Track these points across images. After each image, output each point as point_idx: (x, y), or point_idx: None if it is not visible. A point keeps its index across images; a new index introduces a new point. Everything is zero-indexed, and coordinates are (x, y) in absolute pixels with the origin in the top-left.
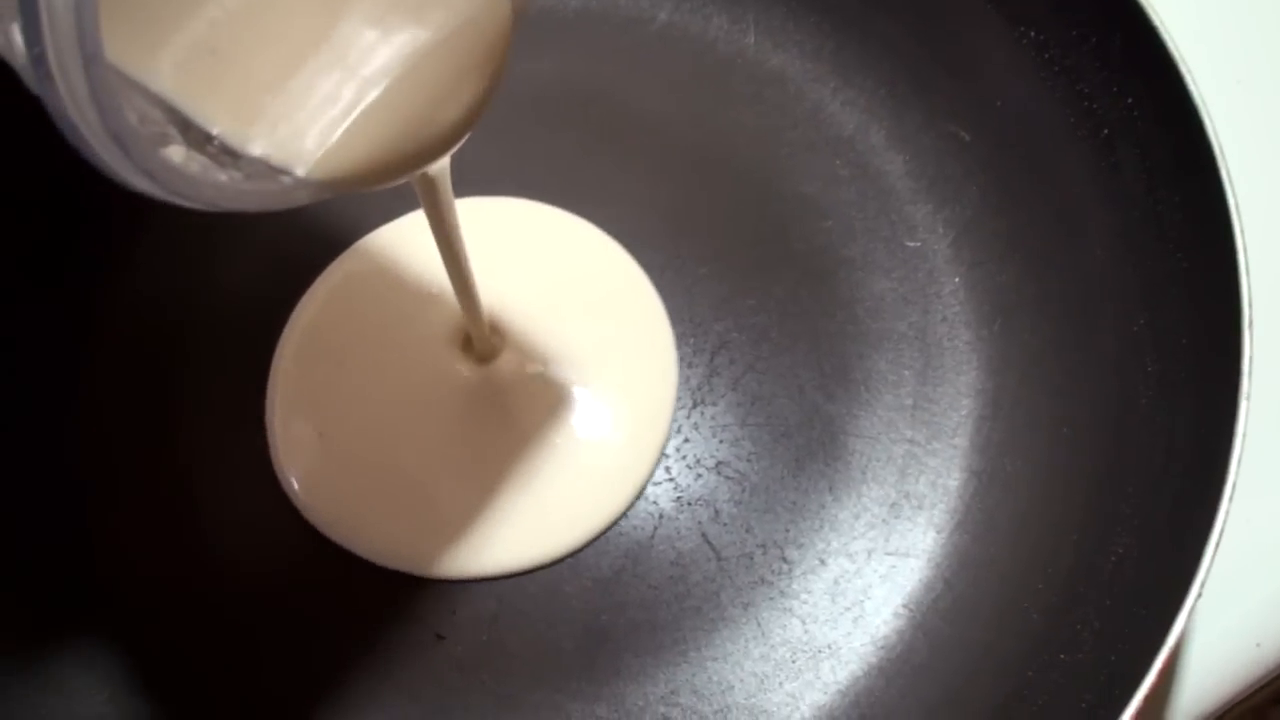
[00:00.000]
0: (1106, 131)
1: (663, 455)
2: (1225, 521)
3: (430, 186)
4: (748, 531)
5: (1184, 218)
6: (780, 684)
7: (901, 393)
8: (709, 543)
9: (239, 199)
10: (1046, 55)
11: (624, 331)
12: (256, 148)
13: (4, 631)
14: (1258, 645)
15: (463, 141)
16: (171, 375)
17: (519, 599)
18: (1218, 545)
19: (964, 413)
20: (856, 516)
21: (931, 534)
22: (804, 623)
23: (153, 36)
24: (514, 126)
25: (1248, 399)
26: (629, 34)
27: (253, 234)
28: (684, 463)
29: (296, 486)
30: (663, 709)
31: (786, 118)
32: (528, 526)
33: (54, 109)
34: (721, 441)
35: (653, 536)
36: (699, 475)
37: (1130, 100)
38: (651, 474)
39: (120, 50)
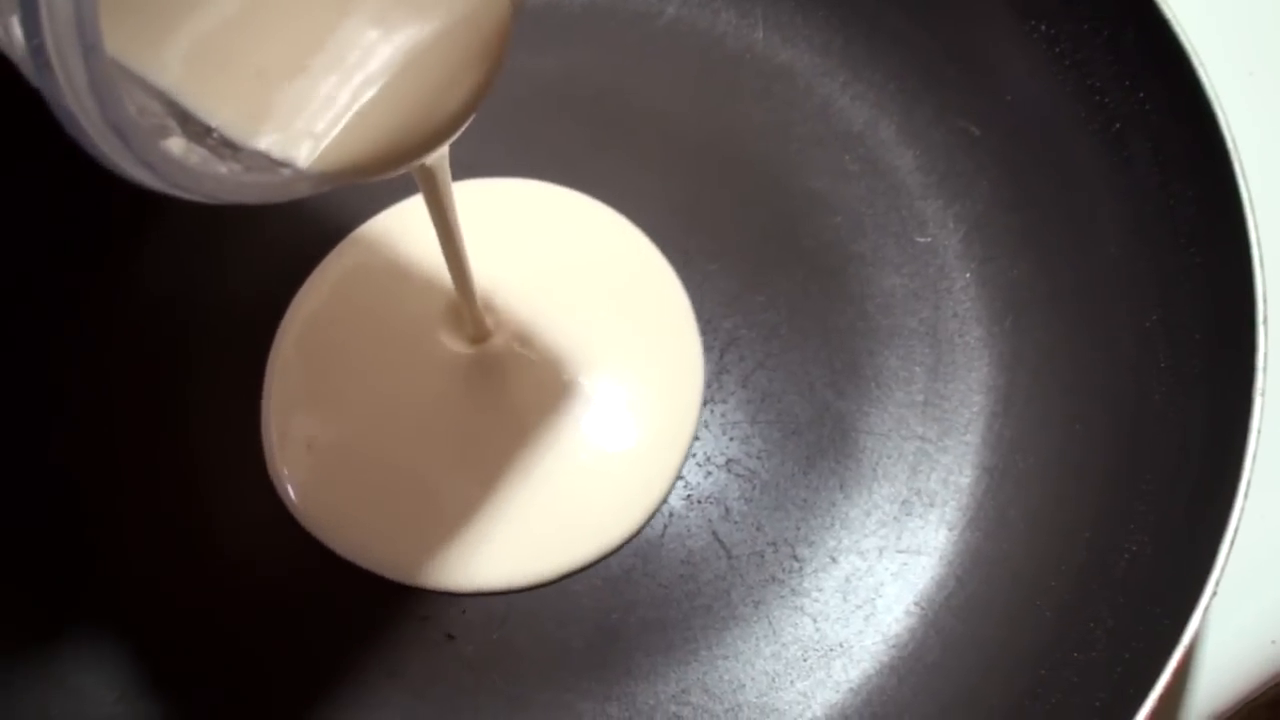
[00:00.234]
0: (1118, 125)
1: (687, 456)
2: (1240, 518)
3: (429, 175)
4: (758, 529)
5: (1197, 212)
6: (792, 682)
7: (912, 389)
8: (719, 541)
9: (239, 191)
10: (1058, 49)
11: (645, 324)
12: (259, 142)
13: (14, 632)
14: (1273, 642)
15: (462, 130)
16: (172, 374)
17: (529, 599)
18: (1232, 542)
19: (976, 409)
20: (868, 514)
21: (943, 531)
22: (815, 621)
23: (154, 30)
24: (520, 121)
25: (1262, 395)
26: (636, 28)
27: (247, 224)
28: (694, 460)
29: (292, 494)
30: (674, 708)
31: (795, 113)
32: (540, 537)
33: (53, 100)
34: (731, 439)
35: (663, 535)
36: (709, 473)
37: (1142, 94)
38: (674, 481)
39: (120, 44)
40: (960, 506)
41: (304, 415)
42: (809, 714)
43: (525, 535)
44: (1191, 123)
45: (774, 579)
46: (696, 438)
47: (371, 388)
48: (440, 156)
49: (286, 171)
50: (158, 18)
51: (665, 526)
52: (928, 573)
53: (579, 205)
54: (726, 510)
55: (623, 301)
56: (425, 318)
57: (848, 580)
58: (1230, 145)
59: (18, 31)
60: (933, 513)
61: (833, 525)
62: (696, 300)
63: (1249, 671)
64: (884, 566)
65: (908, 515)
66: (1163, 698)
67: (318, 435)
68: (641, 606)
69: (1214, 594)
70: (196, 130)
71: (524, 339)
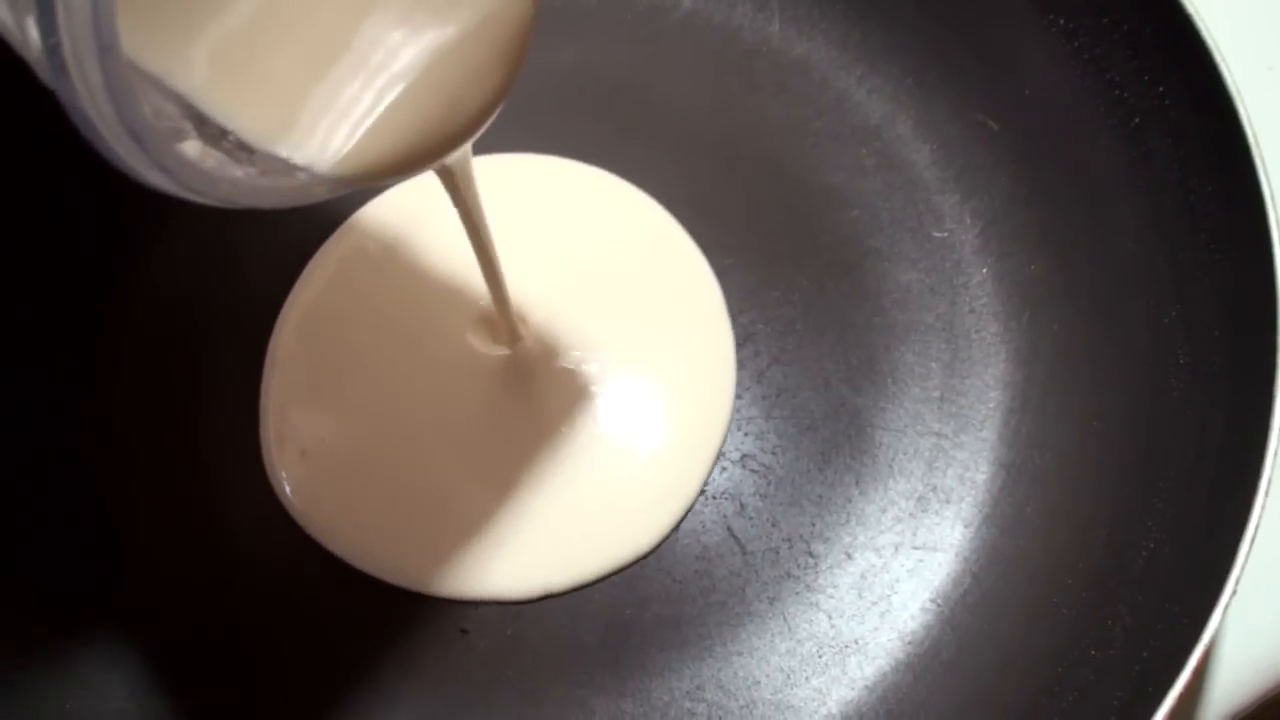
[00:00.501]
0: (1138, 120)
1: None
2: (1261, 517)
3: (449, 175)
4: (773, 525)
5: (1217, 207)
6: (807, 679)
7: (929, 385)
8: (734, 537)
9: (255, 195)
10: (1076, 43)
11: (676, 319)
12: (278, 147)
13: (32, 629)
14: None
15: (481, 132)
16: (178, 370)
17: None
18: (1253, 541)
19: (992, 405)
20: (883, 510)
21: (959, 528)
22: (830, 617)
23: (172, 32)
24: (535, 115)
25: None
26: (652, 22)
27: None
28: None
29: (290, 499)
30: (688, 704)
31: (812, 107)
32: (558, 546)
33: (68, 102)
34: (746, 435)
35: (677, 531)
36: (724, 469)
37: (1162, 88)
38: (699, 491)
39: (136, 45)
40: (977, 503)
41: (303, 416)
42: (824, 711)
43: (543, 543)
44: (1212, 118)
45: (789, 575)
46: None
47: (379, 385)
48: (461, 156)
49: (303, 175)
50: (176, 19)
51: (680, 522)
52: (944, 569)
53: (608, 185)
54: (741, 506)
55: (653, 295)
56: (442, 310)
57: (863, 577)
58: (1251, 140)
59: (33, 32)
60: (949, 509)
61: (848, 521)
62: None
63: (1268, 670)
64: (900, 563)
65: (924, 511)
66: (1181, 696)
67: (318, 438)
68: (656, 602)
69: (1234, 592)
70: (212, 133)
71: (553, 342)
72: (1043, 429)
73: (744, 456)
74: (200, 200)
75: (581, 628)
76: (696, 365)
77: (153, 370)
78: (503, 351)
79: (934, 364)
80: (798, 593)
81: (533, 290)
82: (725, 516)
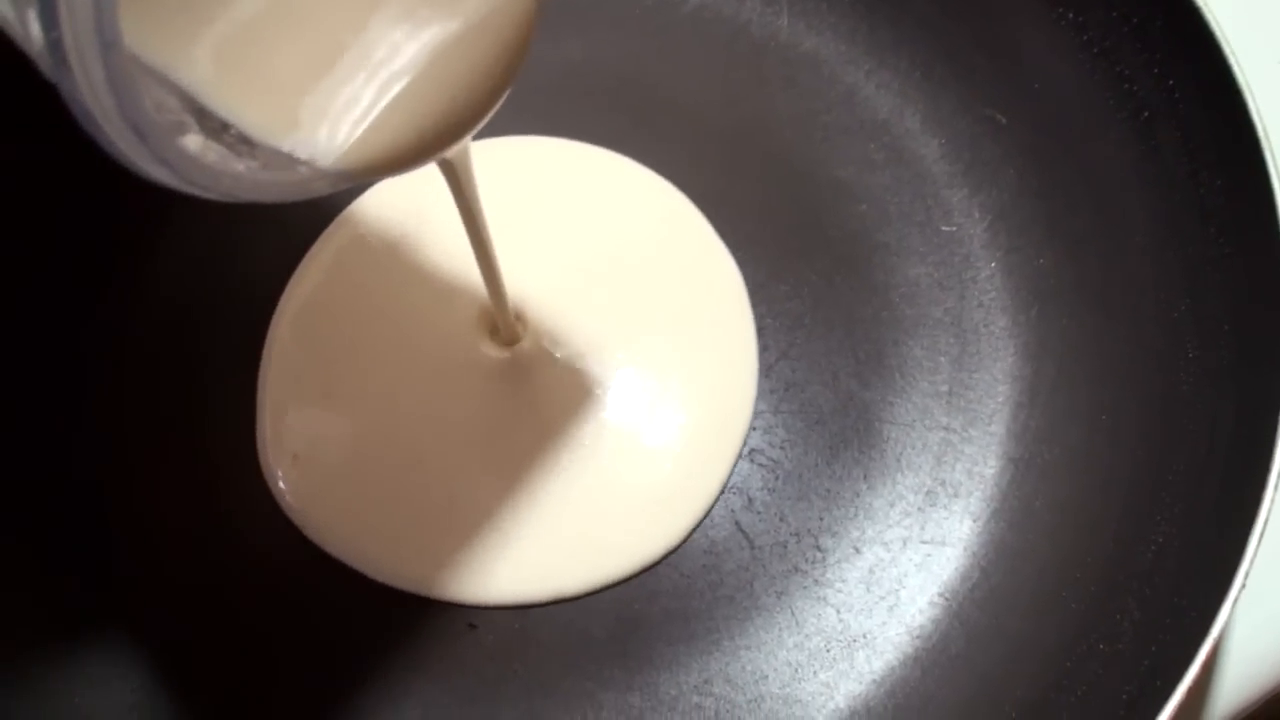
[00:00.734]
0: (1147, 114)
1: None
2: (1270, 510)
3: (449, 168)
4: (781, 520)
5: (1226, 201)
6: (815, 673)
7: (937, 379)
8: (742, 531)
9: (256, 190)
10: (1086, 37)
11: (693, 311)
12: (280, 141)
13: (32, 627)
14: None
15: (483, 124)
16: (174, 366)
17: None
18: (1262, 535)
19: (1001, 399)
20: (891, 504)
21: (968, 522)
22: (838, 612)
23: (174, 25)
24: (541, 110)
25: None
26: (660, 16)
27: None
28: None
29: (288, 502)
30: (696, 698)
31: (820, 101)
32: (566, 549)
33: (70, 96)
34: (754, 429)
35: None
36: (732, 463)
37: (1171, 82)
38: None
39: (137, 38)
40: (985, 497)
41: (299, 417)
42: (832, 705)
43: (553, 548)
44: (1221, 111)
45: (797, 569)
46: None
47: (378, 384)
48: (461, 150)
49: (304, 169)
50: (178, 12)
51: (694, 528)
52: (952, 564)
53: (621, 168)
54: (750, 500)
55: (670, 286)
56: (445, 310)
57: (871, 571)
58: (1260, 134)
59: (35, 27)
60: (957, 503)
61: (856, 516)
62: None
63: (1276, 664)
64: (908, 557)
65: (932, 506)
66: (1190, 690)
67: (313, 441)
68: (664, 597)
69: (1242, 586)
70: (213, 127)
71: (557, 340)
72: (1051, 423)
73: (752, 451)
74: (202, 194)
75: (590, 622)
76: (716, 362)
77: (152, 368)
78: (503, 353)
79: (942, 358)
80: (806, 587)
81: (537, 285)
82: (733, 511)
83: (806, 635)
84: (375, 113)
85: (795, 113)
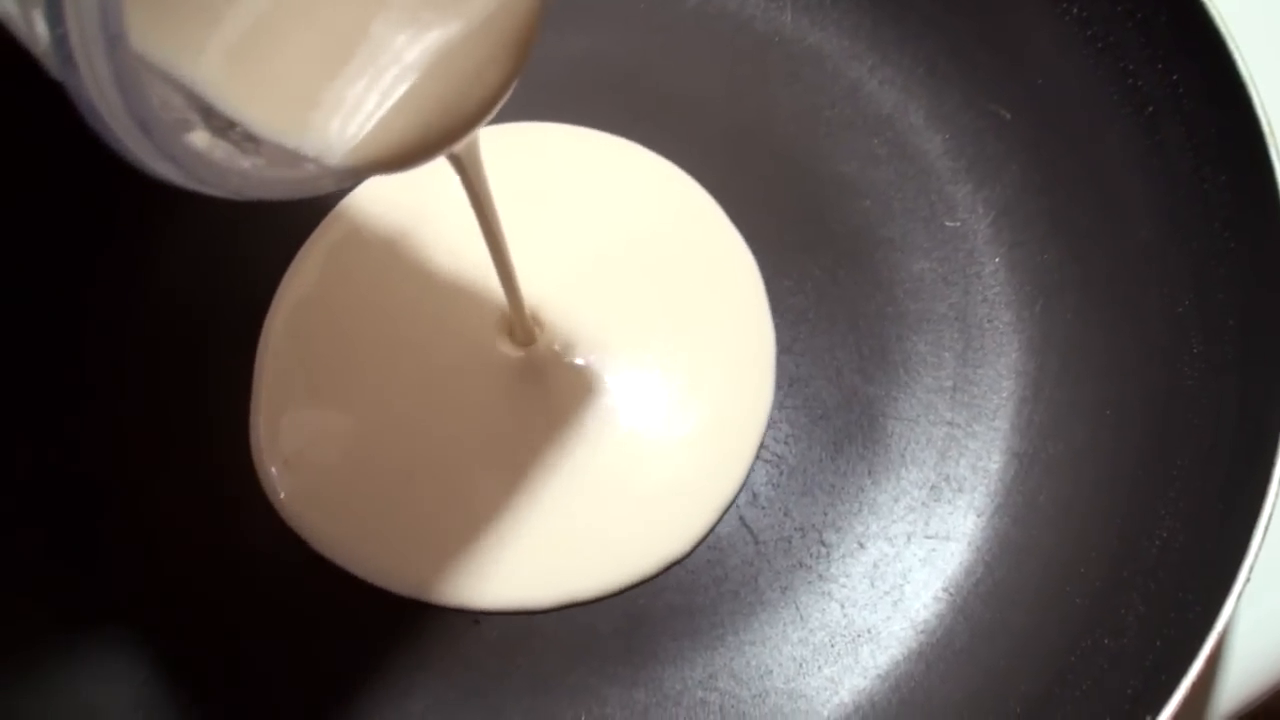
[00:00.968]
0: (1151, 109)
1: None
2: (1275, 504)
3: (459, 163)
4: (785, 515)
5: (1230, 196)
6: (819, 668)
7: (941, 375)
8: (746, 526)
9: (263, 187)
10: (1090, 31)
11: (711, 308)
12: (287, 139)
13: (42, 625)
14: None
15: (489, 118)
16: (172, 366)
17: None
18: (1266, 529)
19: (1005, 395)
20: (896, 500)
21: (972, 517)
22: (843, 607)
23: (180, 23)
24: (547, 106)
25: None
26: (664, 12)
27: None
28: None
29: (284, 507)
30: (700, 693)
31: (824, 97)
32: (575, 555)
33: (76, 94)
34: None
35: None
36: None
37: (1175, 77)
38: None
39: (143, 36)
40: (989, 492)
41: (294, 421)
42: (836, 700)
43: (563, 553)
44: (1225, 106)
45: (801, 565)
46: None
47: (378, 386)
48: (469, 144)
49: (311, 166)
50: (185, 11)
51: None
52: (956, 559)
53: (634, 156)
54: (754, 495)
55: (686, 280)
56: (448, 307)
57: (876, 566)
58: (1265, 129)
59: (40, 25)
60: (961, 498)
61: (861, 511)
62: None
63: None
64: (912, 552)
65: (936, 501)
66: (1194, 685)
67: (309, 445)
68: (668, 592)
69: (1247, 580)
70: (219, 124)
71: (573, 340)
72: (1056, 418)
73: (756, 446)
74: (208, 191)
75: (594, 617)
76: (733, 366)
77: (149, 367)
78: (517, 353)
79: (947, 353)
80: (810, 582)
81: (552, 281)
82: (738, 506)
83: (811, 630)
84: (382, 110)
85: (799, 108)
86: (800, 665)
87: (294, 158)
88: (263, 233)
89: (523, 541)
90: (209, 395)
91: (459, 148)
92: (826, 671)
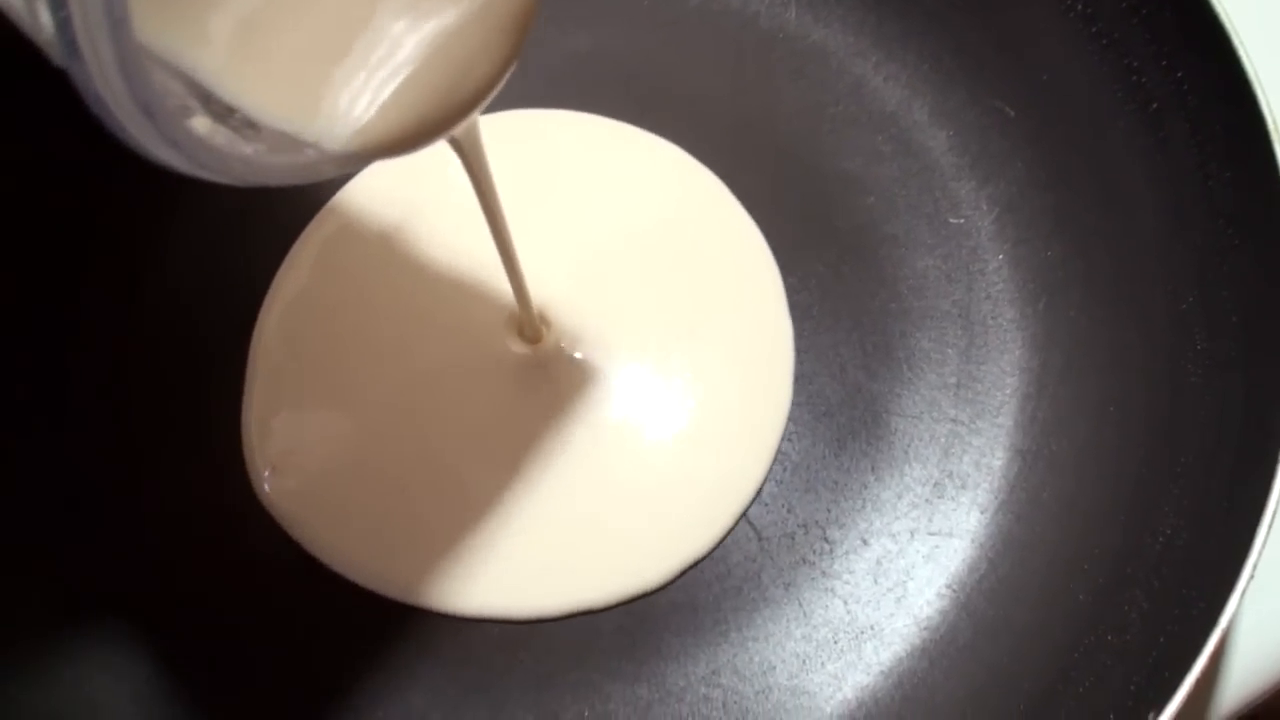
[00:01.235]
0: (1155, 106)
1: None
2: (1278, 502)
3: (460, 147)
4: (789, 511)
5: (1235, 193)
6: (822, 664)
7: (945, 371)
8: (750, 522)
9: (265, 173)
10: (1094, 28)
11: (727, 306)
12: (289, 125)
13: (44, 620)
14: None
15: (488, 101)
16: (170, 368)
17: None
18: (1270, 525)
19: (1008, 391)
20: (899, 496)
21: (975, 514)
22: (846, 603)
23: (181, 10)
24: (551, 101)
25: None
26: (668, 8)
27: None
28: None
29: (278, 514)
30: (704, 689)
31: (828, 93)
32: (581, 563)
33: (79, 80)
34: None
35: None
36: None
37: (1180, 74)
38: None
39: (143, 23)
40: (993, 489)
41: (285, 424)
42: (840, 696)
43: (567, 561)
44: (1230, 103)
45: (805, 561)
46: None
47: (375, 386)
48: (469, 127)
49: (311, 152)
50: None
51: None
52: (959, 555)
53: (647, 145)
54: (757, 492)
55: (700, 274)
56: (447, 304)
57: (879, 562)
58: (1270, 126)
59: (44, 12)
60: (965, 495)
61: (864, 507)
62: None
63: None
64: (915, 549)
65: (939, 498)
66: (1198, 682)
67: (299, 450)
68: (671, 588)
69: (1250, 577)
70: (218, 110)
71: (582, 338)
72: (1059, 415)
73: None
74: (209, 178)
75: (598, 613)
76: (750, 364)
77: (145, 368)
78: (522, 350)
79: (950, 350)
80: (813, 579)
81: (559, 274)
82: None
83: (814, 627)
84: (382, 94)
85: (803, 105)
86: (804, 662)
87: (295, 143)
88: (256, 230)
89: (526, 549)
90: (205, 394)
91: (459, 131)
92: (830, 668)
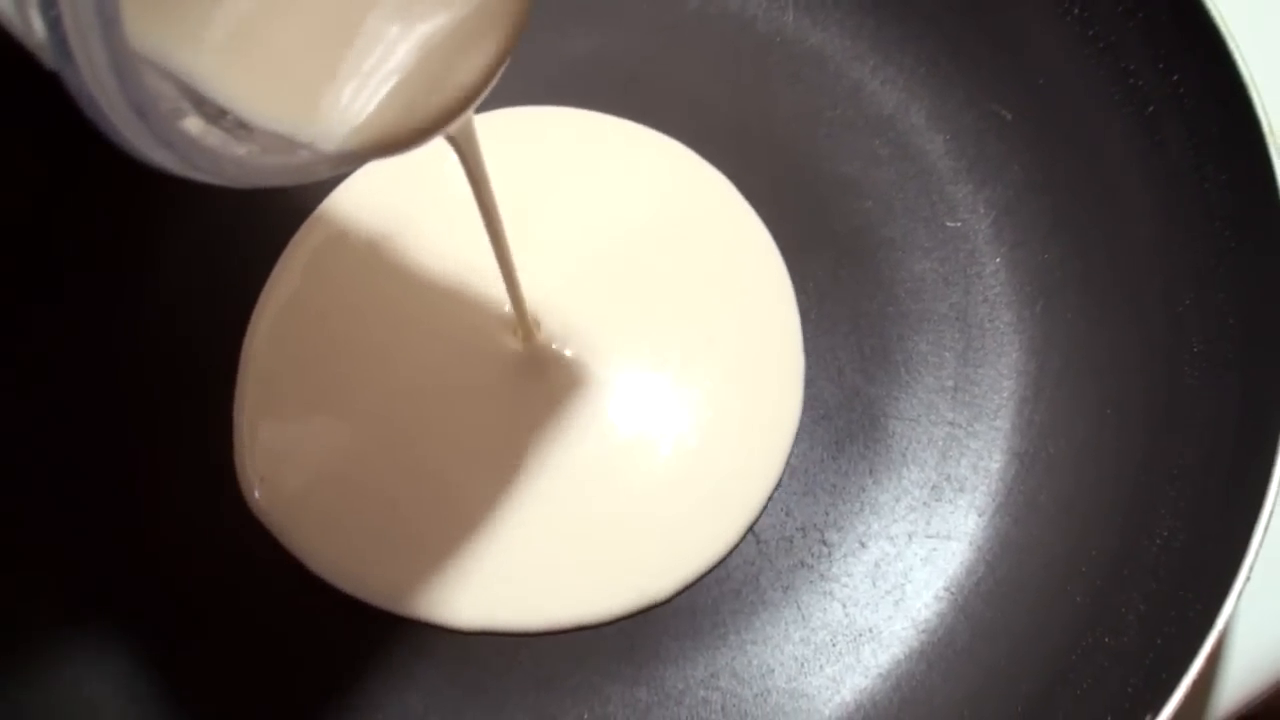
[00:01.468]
0: (1152, 109)
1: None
2: (1275, 503)
3: (456, 145)
4: (787, 514)
5: (1230, 195)
6: (821, 667)
7: (942, 374)
8: (748, 526)
9: (258, 174)
10: (1091, 32)
11: (733, 306)
12: (281, 127)
13: (43, 625)
14: None
15: (483, 98)
16: (168, 369)
17: None
18: (1266, 527)
19: (1006, 394)
20: (897, 499)
21: (973, 517)
22: (844, 606)
23: (172, 13)
24: (549, 104)
25: None
26: (667, 12)
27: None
28: None
29: (273, 524)
30: (703, 692)
31: (826, 97)
32: (573, 578)
33: (72, 82)
34: None
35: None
36: None
37: (1176, 77)
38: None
39: (134, 26)
40: (990, 492)
41: (276, 434)
42: (838, 699)
43: (563, 574)
44: (1226, 106)
45: (803, 564)
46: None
47: (366, 393)
48: (464, 124)
49: (305, 153)
50: (178, 2)
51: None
52: (957, 558)
53: (650, 142)
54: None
55: (706, 274)
56: (438, 305)
57: (877, 565)
58: (1265, 129)
59: (36, 20)
60: (962, 498)
61: (862, 510)
62: None
63: None
64: (913, 552)
65: (937, 501)
66: (1195, 683)
67: (290, 459)
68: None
69: (1247, 579)
70: (210, 112)
71: (576, 339)
72: (1056, 418)
73: None
74: (203, 179)
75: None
76: (759, 375)
77: (140, 373)
78: (515, 353)
79: (948, 353)
80: (812, 581)
81: (555, 274)
82: None
83: (812, 630)
84: (376, 94)
85: (800, 108)
86: (802, 664)
87: (288, 144)
88: (247, 237)
89: (523, 561)
90: (196, 401)
91: (454, 129)
92: (828, 670)
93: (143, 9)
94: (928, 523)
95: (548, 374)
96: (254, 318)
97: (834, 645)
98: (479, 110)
